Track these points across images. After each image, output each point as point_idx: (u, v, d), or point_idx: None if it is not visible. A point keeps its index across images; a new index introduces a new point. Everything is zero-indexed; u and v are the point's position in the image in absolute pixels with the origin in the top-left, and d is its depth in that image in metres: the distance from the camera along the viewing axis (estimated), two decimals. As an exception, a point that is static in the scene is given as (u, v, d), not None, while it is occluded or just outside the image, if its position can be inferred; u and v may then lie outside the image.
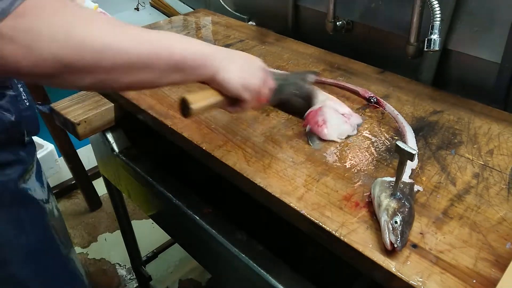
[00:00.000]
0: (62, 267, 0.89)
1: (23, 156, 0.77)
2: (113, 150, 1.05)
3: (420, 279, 0.53)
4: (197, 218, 0.87)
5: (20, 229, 0.78)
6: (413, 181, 0.66)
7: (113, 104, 1.01)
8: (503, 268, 0.54)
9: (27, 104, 0.77)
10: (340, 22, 1.15)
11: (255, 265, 0.77)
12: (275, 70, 0.84)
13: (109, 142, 1.05)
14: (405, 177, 0.67)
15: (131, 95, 0.95)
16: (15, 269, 0.79)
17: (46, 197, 0.85)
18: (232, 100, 0.67)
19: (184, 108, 0.63)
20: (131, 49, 0.51)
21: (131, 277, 1.82)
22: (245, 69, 0.66)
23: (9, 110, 0.73)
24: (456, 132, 0.81)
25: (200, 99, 0.64)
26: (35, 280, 0.82)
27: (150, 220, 1.94)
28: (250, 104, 0.69)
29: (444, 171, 0.71)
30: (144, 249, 1.62)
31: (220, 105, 0.68)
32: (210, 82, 0.65)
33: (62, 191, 2.19)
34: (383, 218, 0.58)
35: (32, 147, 0.80)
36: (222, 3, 1.51)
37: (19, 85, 0.76)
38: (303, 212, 0.64)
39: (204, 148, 0.79)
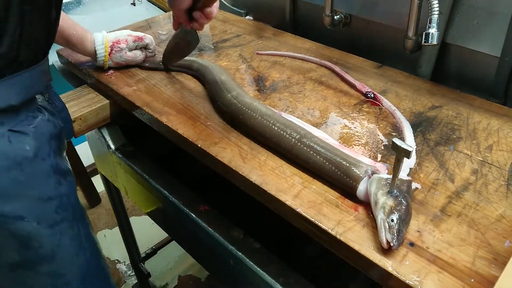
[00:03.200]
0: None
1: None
2: (109, 147, 1.05)
3: (417, 278, 0.53)
4: (193, 215, 0.86)
5: (79, 247, 0.76)
6: (411, 179, 0.65)
7: (108, 101, 1.00)
8: (501, 267, 0.53)
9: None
10: (338, 16, 1.14)
11: (251, 263, 0.76)
12: None
13: (105, 139, 1.05)
14: (403, 174, 0.65)
15: (127, 92, 0.94)
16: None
17: None
18: None
19: None
20: None
21: (131, 273, 1.82)
22: None
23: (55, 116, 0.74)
24: (454, 127, 0.80)
25: None
26: None
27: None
28: None
29: (442, 167, 0.70)
30: (144, 246, 1.62)
31: None
32: None
33: (61, 187, 2.19)
34: (380, 216, 0.57)
35: None
36: (219, -3, 1.50)
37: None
38: (299, 210, 0.63)
39: (199, 145, 0.78)
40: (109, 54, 0.98)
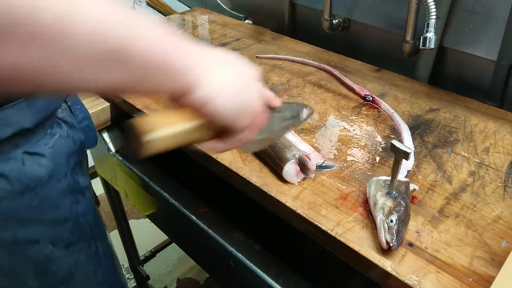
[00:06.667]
0: None
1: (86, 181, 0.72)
2: (109, 150, 1.05)
3: (416, 278, 0.53)
4: (194, 217, 0.86)
5: (97, 265, 0.73)
6: (409, 180, 0.66)
7: (108, 104, 1.01)
8: (498, 267, 0.54)
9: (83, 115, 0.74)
10: (337, 20, 1.15)
11: (252, 264, 0.77)
12: None
13: (105, 141, 1.05)
14: (401, 176, 0.66)
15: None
16: None
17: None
18: (215, 132, 0.45)
19: (133, 142, 0.40)
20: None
21: (130, 277, 1.82)
22: (239, 82, 0.44)
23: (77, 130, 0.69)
24: (452, 130, 0.81)
25: (161, 124, 0.40)
26: None
27: (148, 219, 1.94)
28: (241, 138, 0.47)
29: (440, 169, 0.71)
30: (143, 248, 1.62)
31: (194, 137, 0.44)
32: (183, 100, 0.41)
33: (60, 190, 2.18)
34: (379, 217, 0.58)
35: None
36: (219, 1, 1.51)
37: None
38: (299, 211, 0.64)
39: (199, 147, 0.78)
40: None
